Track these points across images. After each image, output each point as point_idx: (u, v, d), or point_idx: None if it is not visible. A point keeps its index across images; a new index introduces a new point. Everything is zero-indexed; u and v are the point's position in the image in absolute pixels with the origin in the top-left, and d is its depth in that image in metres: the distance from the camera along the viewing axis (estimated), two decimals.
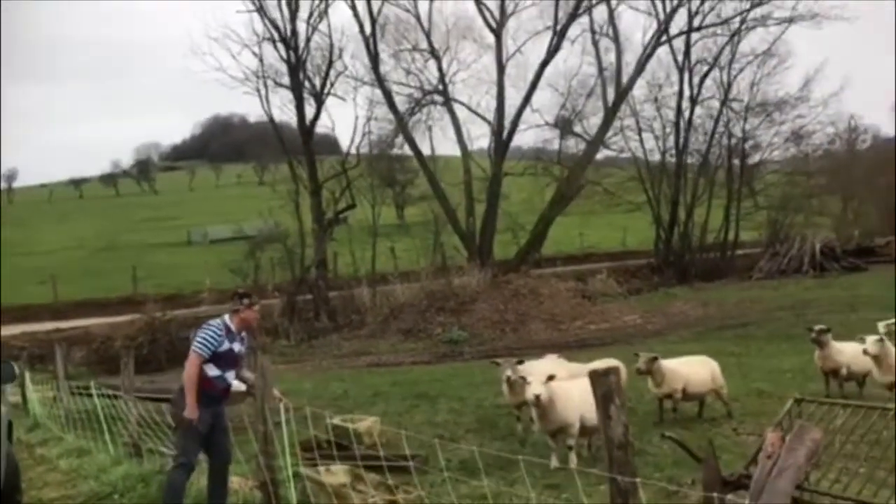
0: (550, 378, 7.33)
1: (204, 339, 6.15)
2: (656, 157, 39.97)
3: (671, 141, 39.24)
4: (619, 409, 3.17)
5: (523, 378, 7.55)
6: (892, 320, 12.56)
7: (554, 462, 7.35)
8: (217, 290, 30.64)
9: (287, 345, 25.70)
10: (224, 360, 6.22)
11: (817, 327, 10.76)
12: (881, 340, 9.34)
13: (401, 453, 8.08)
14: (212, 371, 6.18)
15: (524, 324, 24.49)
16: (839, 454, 5.43)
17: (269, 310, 27.72)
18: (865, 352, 9.16)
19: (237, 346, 6.34)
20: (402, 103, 34.11)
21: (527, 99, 33.44)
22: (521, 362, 8.96)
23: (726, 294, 29.03)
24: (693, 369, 9.26)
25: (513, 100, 34.51)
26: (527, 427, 8.97)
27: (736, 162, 40.39)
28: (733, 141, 40.39)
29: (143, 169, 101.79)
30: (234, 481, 7.16)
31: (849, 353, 10.68)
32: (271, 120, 31.86)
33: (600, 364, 10.06)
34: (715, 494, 4.83)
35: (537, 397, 7.22)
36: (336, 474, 6.54)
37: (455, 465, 7.67)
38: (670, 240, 38.16)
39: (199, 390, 6.04)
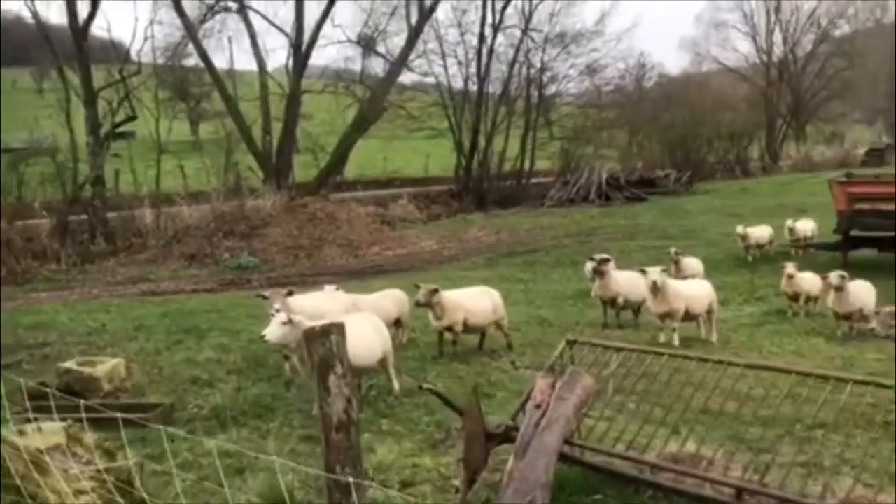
0: (289, 321, 6.48)
1: None
2: (459, 83, 39.90)
3: (474, 67, 39.25)
4: (339, 378, 2.44)
5: (273, 314, 6.69)
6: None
7: (316, 408, 6.64)
8: None
9: (56, 269, 23.12)
10: None
11: (598, 257, 10.79)
12: (665, 271, 9.46)
13: (145, 401, 7.09)
14: None
15: (319, 249, 23.57)
16: (612, 401, 5.12)
17: (37, 230, 24.92)
18: (655, 283, 9.19)
19: None
20: (192, 9, 31.34)
21: (327, 12, 31.81)
22: (290, 294, 8.10)
23: (519, 221, 29.65)
24: (474, 301, 8.86)
25: (313, 12, 32.78)
26: (295, 367, 8.19)
27: (534, 92, 41.16)
28: (532, 71, 41.11)
29: None
30: None
31: (623, 282, 10.83)
32: (35, 17, 28.11)
33: (382, 295, 9.48)
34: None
35: (262, 337, 6.54)
36: (46, 434, 5.41)
37: (206, 413, 6.78)
38: (470, 167, 38.43)
39: None
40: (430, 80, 39.98)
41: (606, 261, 10.67)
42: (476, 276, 18.57)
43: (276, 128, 31.88)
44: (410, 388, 7.30)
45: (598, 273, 10.52)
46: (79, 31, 27.48)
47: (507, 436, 4.54)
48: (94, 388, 7.23)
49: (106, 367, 7.48)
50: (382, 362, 7.03)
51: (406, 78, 38.12)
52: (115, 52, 32.35)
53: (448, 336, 8.81)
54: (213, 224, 24.63)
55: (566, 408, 4.21)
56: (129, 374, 7.76)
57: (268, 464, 4.96)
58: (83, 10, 27.38)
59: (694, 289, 9.78)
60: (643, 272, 9.57)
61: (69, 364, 7.53)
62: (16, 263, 22.95)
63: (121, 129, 29.94)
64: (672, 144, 47.69)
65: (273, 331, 6.37)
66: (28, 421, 6.14)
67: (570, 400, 4.23)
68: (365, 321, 7.07)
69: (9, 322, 12.67)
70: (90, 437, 5.29)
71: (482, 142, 38.38)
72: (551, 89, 42.99)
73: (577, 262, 19.64)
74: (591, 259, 10.88)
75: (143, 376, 8.02)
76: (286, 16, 31.63)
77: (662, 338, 9.67)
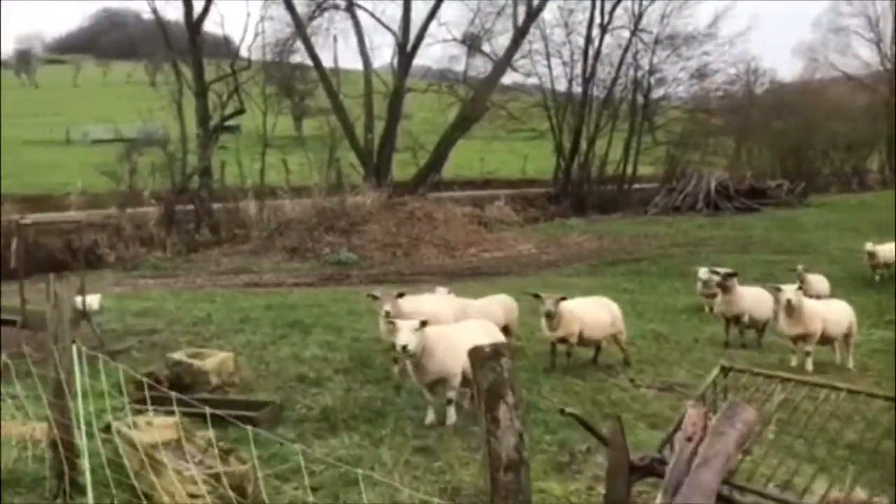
0: (423, 324, 6.15)
1: None
2: (563, 84, 39.16)
3: (579, 68, 38.45)
4: (511, 409, 2.06)
5: (392, 323, 6.28)
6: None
7: (430, 417, 6.30)
8: (90, 193, 28.35)
9: (162, 257, 23.81)
10: None
11: (723, 271, 10.09)
12: (800, 289, 8.72)
13: (253, 398, 6.92)
14: None
15: (416, 248, 23.42)
16: (777, 441, 4.56)
17: (145, 218, 25.73)
18: (790, 302, 8.47)
19: None
20: (301, 6, 31.83)
21: (434, 10, 31.68)
22: (401, 296, 7.80)
23: (622, 228, 28.77)
24: (592, 312, 8.35)
25: (419, 11, 32.82)
26: (404, 370, 7.89)
27: (640, 95, 40.04)
28: (640, 73, 39.98)
29: (24, 60, 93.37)
30: (35, 429, 5.81)
31: (749, 299, 10.13)
32: (154, 11, 29.10)
33: (491, 300, 9.10)
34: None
35: (403, 348, 6.09)
36: (159, 428, 5.27)
37: (315, 414, 6.54)
38: (570, 170, 37.66)
39: None
40: (533, 80, 39.50)
41: (733, 275, 9.95)
42: (578, 283, 17.98)
43: (378, 126, 32.03)
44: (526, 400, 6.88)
45: (723, 288, 9.83)
46: (193, 25, 28.26)
47: (653, 469, 4.08)
48: (202, 381, 7.12)
49: (215, 360, 7.36)
50: None
51: (506, 78, 37.73)
52: (227, 48, 33.21)
53: (561, 348, 8.35)
54: (315, 218, 24.85)
55: (725, 443, 3.71)
56: (237, 368, 7.63)
57: (384, 475, 4.64)
58: (198, 5, 28.16)
59: (832, 309, 8.98)
60: (777, 289, 8.84)
61: (178, 355, 7.46)
62: (125, 249, 23.73)
63: (228, 122, 30.66)
64: (784, 154, 45.56)
65: (409, 339, 6.01)
66: (139, 413, 6.04)
67: (729, 435, 3.74)
68: (479, 328, 6.70)
69: (117, 308, 12.94)
70: (204, 434, 5.11)
71: (583, 144, 37.54)
72: (658, 93, 41.73)
73: (686, 273, 18.75)
74: (716, 272, 10.19)
75: (249, 371, 7.90)
76: (393, 14, 31.78)
77: (794, 361, 8.93)
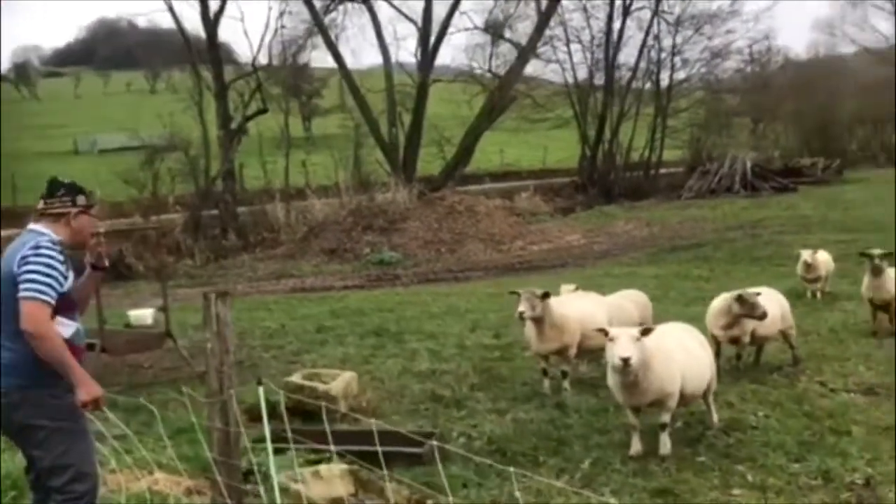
0: (646, 332, 5.00)
1: (48, 275, 3.44)
2: (583, 71, 38.07)
3: (599, 53, 37.34)
4: None
5: (604, 331, 5.08)
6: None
7: (636, 446, 5.14)
8: (109, 202, 27.36)
9: (192, 265, 22.80)
10: (69, 302, 3.64)
11: (877, 252, 8.95)
12: None
13: (402, 430, 5.79)
14: (65, 327, 3.56)
15: (461, 244, 22.32)
16: None
17: (171, 225, 24.71)
18: None
19: (72, 275, 3.68)
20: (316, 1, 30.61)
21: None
22: (547, 296, 6.66)
23: (665, 213, 27.68)
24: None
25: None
26: (556, 386, 6.77)
27: (664, 78, 38.95)
28: (662, 55, 38.82)
29: (22, 73, 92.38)
30: (159, 480, 4.73)
31: None
32: (171, 9, 27.85)
33: (624, 296, 8.07)
34: None
35: (625, 361, 4.84)
36: (327, 479, 4.19)
37: (482, 445, 5.44)
38: (595, 157, 36.57)
39: None
40: (553, 67, 38.30)
41: (887, 255, 8.84)
42: (644, 272, 16.96)
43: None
44: (730, 417, 5.77)
45: (874, 271, 8.72)
46: (210, 23, 27.13)
47: None
48: (330, 409, 6.02)
49: (340, 382, 6.26)
50: (706, 389, 5.51)
51: (528, 67, 36.48)
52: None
53: (726, 349, 7.24)
54: (350, 218, 23.76)
55: None
56: (362, 389, 6.54)
57: None
58: (213, 4, 27.01)
59: None
60: None
61: (296, 378, 6.37)
62: (152, 258, 22.68)
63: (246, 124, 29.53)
64: (808, 132, 44.50)
65: (631, 350, 4.84)
66: (279, 451, 4.95)
67: None
68: (687, 334, 5.59)
69: (174, 322, 11.86)
70: (394, 487, 4.01)
71: (608, 132, 36.44)
72: (680, 75, 40.53)
73: (757, 258, 17.76)
74: (866, 255, 9.02)
75: (372, 392, 6.79)
76: (413, 5, 30.80)
77: None
